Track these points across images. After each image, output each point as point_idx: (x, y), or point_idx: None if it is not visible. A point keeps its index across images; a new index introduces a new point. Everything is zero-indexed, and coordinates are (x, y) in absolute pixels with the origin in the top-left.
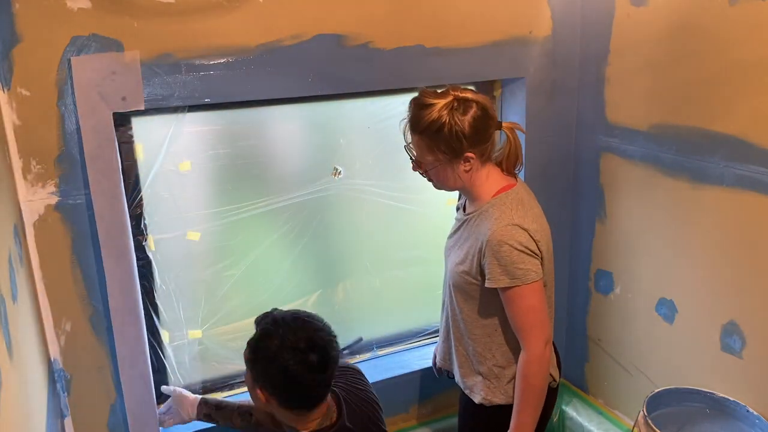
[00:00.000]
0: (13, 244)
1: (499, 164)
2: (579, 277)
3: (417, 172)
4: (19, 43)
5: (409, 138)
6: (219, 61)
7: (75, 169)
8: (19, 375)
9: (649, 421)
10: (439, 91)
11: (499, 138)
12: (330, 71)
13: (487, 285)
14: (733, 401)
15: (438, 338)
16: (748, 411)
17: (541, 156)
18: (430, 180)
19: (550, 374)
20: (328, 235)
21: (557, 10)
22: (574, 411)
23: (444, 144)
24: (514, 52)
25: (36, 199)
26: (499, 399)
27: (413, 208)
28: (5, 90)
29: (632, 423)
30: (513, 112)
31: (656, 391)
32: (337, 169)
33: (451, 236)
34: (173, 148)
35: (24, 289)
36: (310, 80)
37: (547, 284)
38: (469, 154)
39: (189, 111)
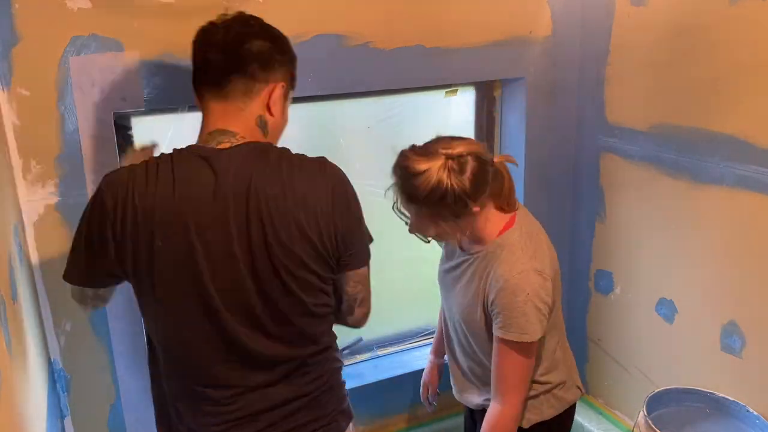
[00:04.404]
0: (13, 244)
1: (492, 198)
2: (579, 277)
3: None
4: (19, 43)
5: (402, 203)
6: None
7: (75, 169)
8: (19, 375)
9: (649, 421)
10: (425, 148)
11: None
12: (330, 71)
13: (495, 333)
14: (733, 401)
15: (427, 366)
16: (747, 411)
17: (541, 156)
18: (428, 241)
19: (578, 387)
20: None
21: (557, 10)
22: None
23: (449, 210)
24: (514, 52)
25: (36, 199)
26: (535, 417)
27: None
28: (5, 90)
29: (632, 423)
30: (513, 112)
31: (656, 391)
32: None
33: (448, 270)
34: None
35: (24, 289)
36: (310, 80)
37: (556, 303)
38: (475, 209)
39: (189, 111)
